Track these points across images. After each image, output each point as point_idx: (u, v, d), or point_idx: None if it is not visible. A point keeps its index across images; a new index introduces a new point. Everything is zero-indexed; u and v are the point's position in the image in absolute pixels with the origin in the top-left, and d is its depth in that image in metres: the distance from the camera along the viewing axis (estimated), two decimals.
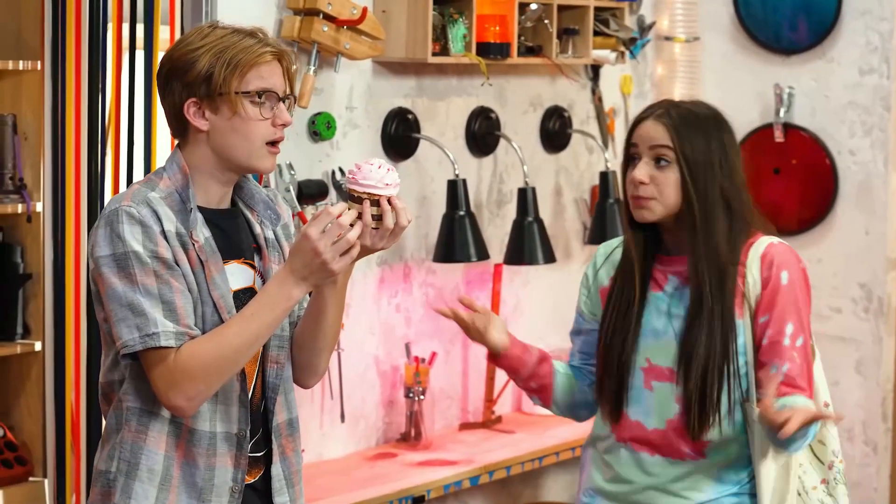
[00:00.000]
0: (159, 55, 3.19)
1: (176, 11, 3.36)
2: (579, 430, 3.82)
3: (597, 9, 4.23)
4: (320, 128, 3.64)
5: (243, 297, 2.28)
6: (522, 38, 4.05)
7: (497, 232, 4.17)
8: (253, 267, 2.33)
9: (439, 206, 3.91)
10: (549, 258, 4.02)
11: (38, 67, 3.29)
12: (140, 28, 3.34)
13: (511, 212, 4.13)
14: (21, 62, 3.28)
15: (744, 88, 4.67)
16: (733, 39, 4.69)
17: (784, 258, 2.52)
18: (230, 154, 2.27)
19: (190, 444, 2.25)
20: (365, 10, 3.53)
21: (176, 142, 2.33)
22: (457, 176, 3.85)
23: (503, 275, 4.10)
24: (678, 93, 4.71)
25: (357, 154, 3.73)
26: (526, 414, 4.20)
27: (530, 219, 3.99)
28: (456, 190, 3.83)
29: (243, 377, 2.29)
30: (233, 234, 2.32)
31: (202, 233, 2.26)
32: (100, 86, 3.31)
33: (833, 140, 4.55)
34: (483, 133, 4.11)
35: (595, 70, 4.44)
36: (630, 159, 2.54)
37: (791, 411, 2.34)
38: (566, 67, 4.21)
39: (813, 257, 4.60)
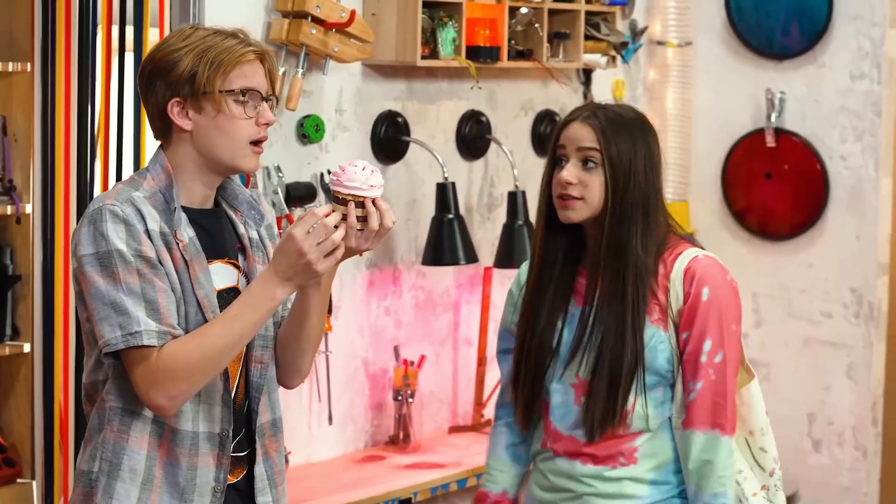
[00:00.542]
0: None
1: (165, 14, 3.37)
2: None
3: (588, 13, 4.23)
4: (309, 130, 3.64)
5: (227, 296, 2.28)
6: (513, 41, 4.06)
7: (488, 235, 4.18)
8: (237, 267, 2.33)
9: (429, 210, 3.92)
10: None
11: (28, 69, 3.29)
12: (129, 30, 3.35)
13: (501, 215, 4.13)
14: (11, 64, 3.28)
15: (736, 93, 4.67)
16: (725, 44, 4.70)
17: (706, 272, 2.51)
18: (214, 154, 2.27)
19: (172, 444, 2.25)
20: (353, 13, 3.54)
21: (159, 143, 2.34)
22: (446, 179, 3.86)
23: (493, 278, 4.11)
24: (671, 97, 4.72)
25: (346, 157, 3.73)
26: None
27: (520, 222, 3.99)
28: (445, 193, 3.83)
29: (226, 377, 2.29)
30: (216, 234, 2.32)
31: (186, 232, 2.26)
32: (89, 88, 3.31)
33: (824, 145, 4.56)
34: (474, 136, 4.11)
35: (587, 74, 4.45)
36: (557, 161, 2.55)
37: None
38: (557, 71, 4.21)
39: (804, 262, 4.61)
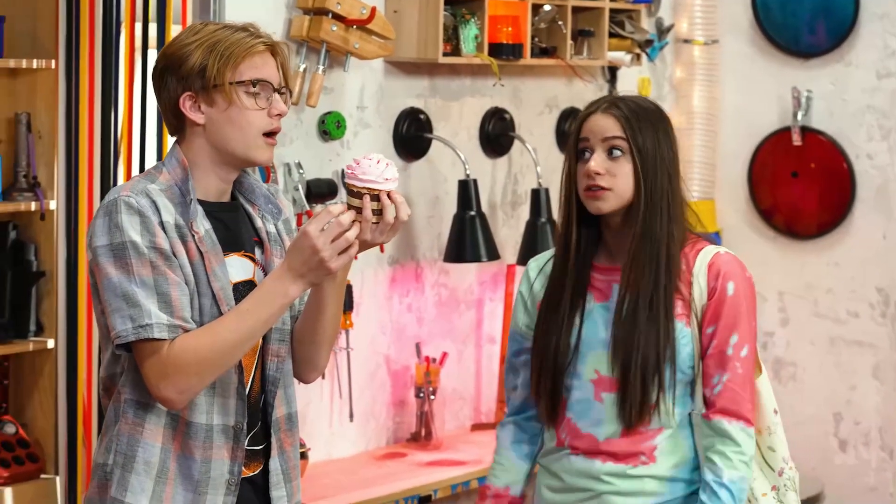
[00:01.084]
0: None
1: (188, 11, 3.39)
2: None
3: (612, 10, 4.22)
4: (330, 127, 3.65)
5: (243, 289, 2.29)
6: (536, 39, 4.05)
7: (511, 233, 4.17)
8: (253, 260, 2.34)
9: (452, 207, 3.92)
10: None
11: (53, 66, 3.32)
12: (152, 28, 3.37)
13: (525, 213, 4.12)
14: (35, 61, 3.31)
15: (762, 91, 4.65)
16: (752, 42, 4.67)
17: (730, 268, 2.52)
18: (227, 146, 2.28)
19: (186, 437, 2.25)
20: (374, 9, 3.55)
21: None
22: (467, 176, 3.86)
23: (517, 275, 4.10)
24: (697, 95, 4.71)
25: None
26: None
27: (543, 220, 3.98)
28: (467, 190, 3.83)
29: (241, 370, 2.29)
30: (233, 226, 2.33)
31: (202, 224, 2.26)
32: (113, 84, 3.34)
33: (851, 144, 4.53)
34: (497, 134, 4.11)
35: (612, 72, 4.44)
36: (579, 154, 2.54)
37: None
38: (581, 69, 4.20)
39: (830, 261, 4.58)
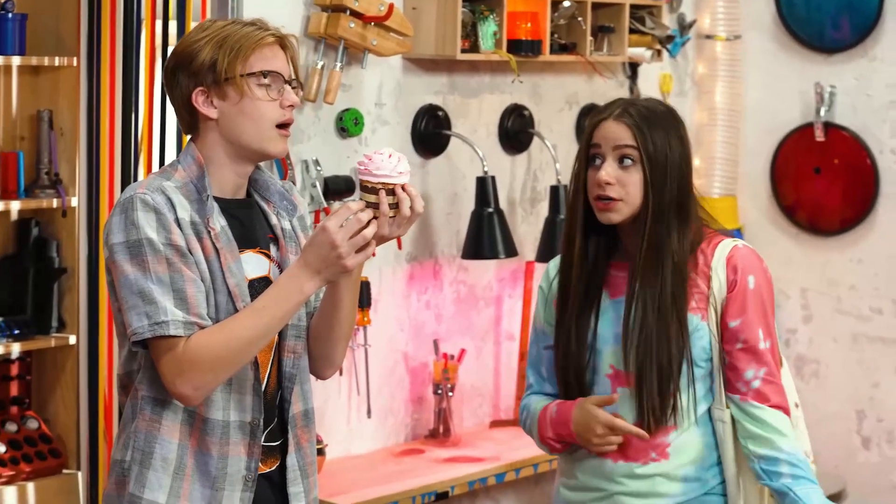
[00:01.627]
0: None
1: (207, 10, 3.41)
2: None
3: (633, 6, 4.21)
4: (348, 124, 3.66)
5: (259, 286, 2.30)
6: (556, 35, 4.05)
7: (531, 230, 4.17)
8: (268, 257, 2.35)
9: (470, 204, 3.92)
10: None
11: (74, 64, 3.34)
12: (173, 25, 3.39)
13: (544, 210, 4.12)
14: (57, 58, 3.33)
15: (785, 87, 4.63)
16: (775, 38, 4.65)
17: (749, 262, 2.52)
18: (241, 139, 2.29)
19: (203, 433, 2.27)
20: (391, 6, 3.55)
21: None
22: (485, 173, 3.86)
23: (535, 272, 4.10)
24: (719, 91, 4.69)
25: None
26: None
27: (562, 217, 3.96)
28: (485, 186, 3.83)
29: (256, 366, 2.30)
30: (248, 223, 2.34)
31: (218, 221, 2.28)
32: (134, 82, 3.36)
33: (875, 139, 4.50)
34: (516, 130, 4.11)
35: (633, 68, 4.43)
36: (591, 160, 2.54)
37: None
38: (601, 65, 4.19)
39: (854, 257, 4.55)
